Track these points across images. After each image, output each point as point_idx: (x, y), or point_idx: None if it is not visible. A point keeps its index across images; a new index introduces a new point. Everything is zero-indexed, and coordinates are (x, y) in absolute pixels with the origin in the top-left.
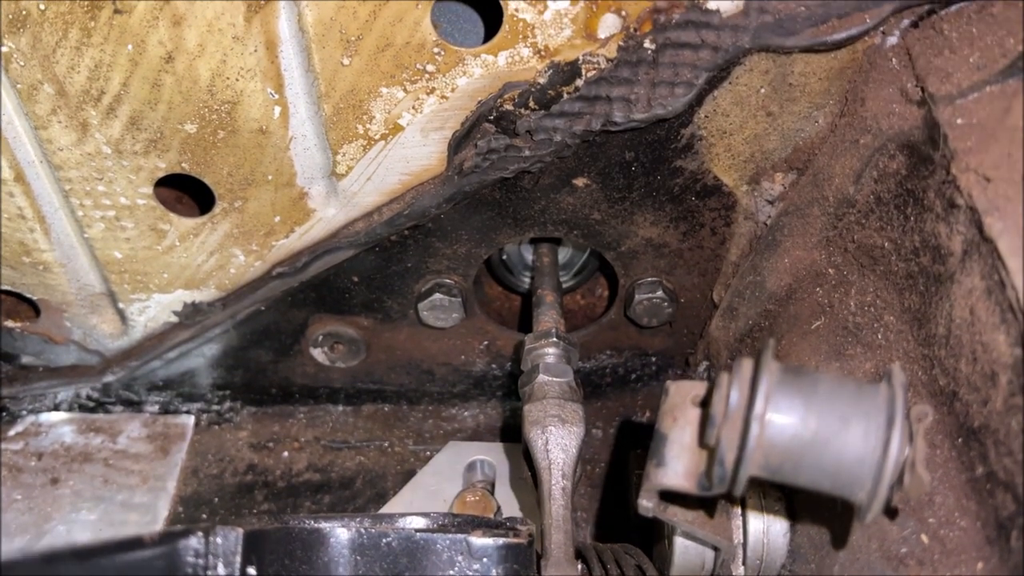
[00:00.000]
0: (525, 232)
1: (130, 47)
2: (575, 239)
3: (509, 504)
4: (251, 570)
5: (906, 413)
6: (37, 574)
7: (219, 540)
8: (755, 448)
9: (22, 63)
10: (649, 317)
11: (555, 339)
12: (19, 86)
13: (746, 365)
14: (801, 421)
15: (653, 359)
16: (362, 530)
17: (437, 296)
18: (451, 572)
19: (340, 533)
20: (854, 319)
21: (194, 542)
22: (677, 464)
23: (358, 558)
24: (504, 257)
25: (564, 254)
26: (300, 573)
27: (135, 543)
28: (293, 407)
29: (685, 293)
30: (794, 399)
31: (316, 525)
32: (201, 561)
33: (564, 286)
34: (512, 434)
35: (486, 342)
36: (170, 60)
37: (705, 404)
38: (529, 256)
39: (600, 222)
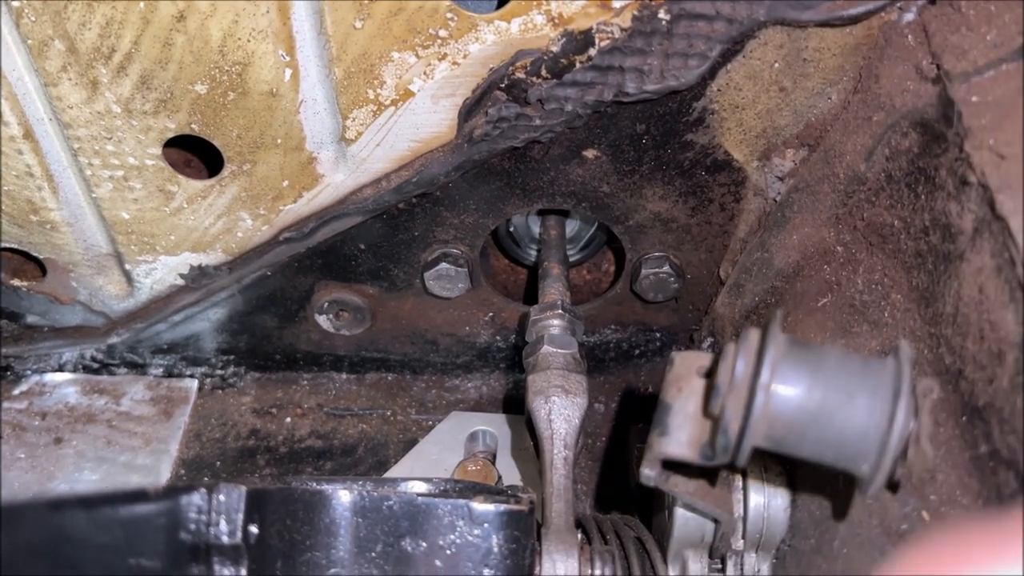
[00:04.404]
0: (533, 203)
1: (142, 5)
2: (583, 211)
3: (510, 474)
4: (253, 528)
5: (912, 387)
6: (42, 519)
7: (222, 497)
8: (760, 418)
9: (33, 18)
10: (655, 292)
11: (560, 311)
12: (29, 42)
13: (753, 335)
14: (806, 392)
15: (657, 335)
16: (364, 493)
17: (443, 266)
18: (452, 536)
19: (342, 495)
20: (861, 297)
21: (197, 498)
22: (680, 434)
23: (359, 520)
24: (511, 229)
25: (571, 227)
26: (302, 533)
27: (139, 495)
28: (297, 374)
29: (692, 269)
30: (800, 370)
31: (318, 487)
32: (204, 517)
33: (571, 260)
34: (514, 406)
35: (491, 313)
36: (182, 19)
37: (710, 375)
38: (536, 229)
39: (609, 195)
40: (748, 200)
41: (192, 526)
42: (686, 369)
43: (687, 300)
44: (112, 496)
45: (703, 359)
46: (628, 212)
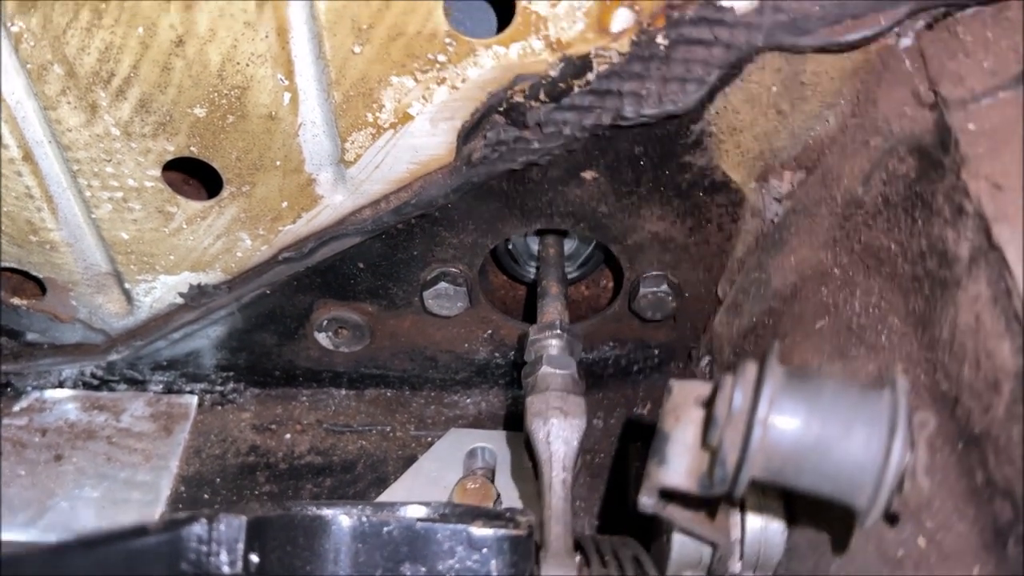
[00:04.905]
0: (532, 224)
1: (141, 30)
2: (581, 231)
3: (509, 492)
4: (253, 557)
5: (908, 420)
6: (44, 569)
7: (222, 527)
8: (757, 451)
9: (32, 43)
10: (653, 310)
11: (559, 331)
12: (29, 66)
13: (750, 368)
14: (804, 425)
15: (655, 352)
16: (363, 518)
17: (442, 285)
18: (451, 562)
19: (342, 520)
20: (858, 320)
21: (198, 529)
22: (679, 463)
23: (359, 546)
24: (510, 247)
25: (570, 245)
26: (302, 559)
27: (139, 531)
28: (296, 390)
29: (690, 288)
30: (798, 403)
31: (318, 512)
32: (204, 548)
33: (569, 277)
34: (513, 422)
35: (490, 331)
36: (181, 44)
37: (708, 404)
38: (535, 246)
39: (607, 215)
40: (746, 221)
41: (192, 556)
42: (684, 399)
43: (685, 318)
44: (112, 534)
45: (701, 388)
46: (626, 232)
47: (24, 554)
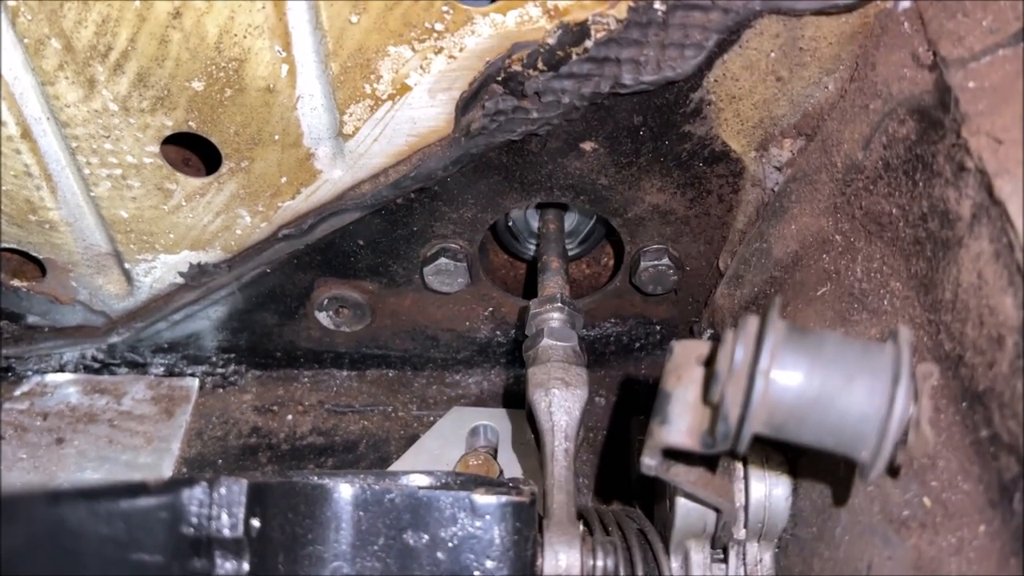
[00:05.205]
0: (531, 197)
1: (138, 2)
2: (581, 205)
3: (512, 469)
4: (254, 522)
5: (912, 371)
6: (42, 511)
7: (223, 491)
8: (759, 404)
9: (29, 17)
10: (654, 285)
11: (560, 304)
12: (26, 40)
13: (751, 322)
14: (806, 378)
15: (657, 327)
16: (365, 486)
17: (442, 261)
18: (453, 529)
19: (343, 489)
20: (860, 286)
21: (199, 492)
22: (681, 422)
23: (361, 514)
24: (510, 223)
25: (570, 221)
26: (303, 526)
27: (140, 489)
28: (298, 371)
29: (691, 261)
30: (799, 356)
31: (320, 480)
32: (205, 511)
33: (570, 253)
34: (515, 400)
35: (491, 308)
36: (178, 16)
37: (710, 363)
38: (535, 223)
39: (607, 188)
40: (746, 191)
41: (193, 519)
42: (685, 358)
43: (686, 292)
44: (113, 488)
45: (702, 347)
46: (626, 205)
47: (22, 496)
